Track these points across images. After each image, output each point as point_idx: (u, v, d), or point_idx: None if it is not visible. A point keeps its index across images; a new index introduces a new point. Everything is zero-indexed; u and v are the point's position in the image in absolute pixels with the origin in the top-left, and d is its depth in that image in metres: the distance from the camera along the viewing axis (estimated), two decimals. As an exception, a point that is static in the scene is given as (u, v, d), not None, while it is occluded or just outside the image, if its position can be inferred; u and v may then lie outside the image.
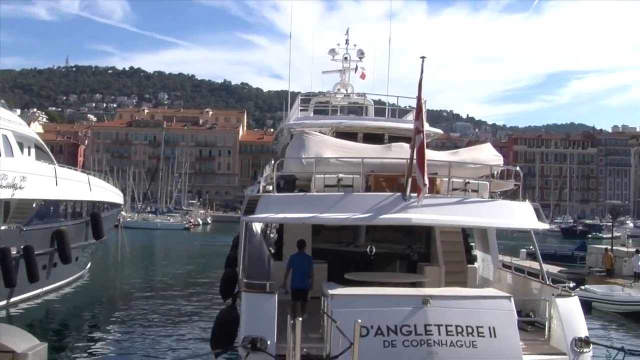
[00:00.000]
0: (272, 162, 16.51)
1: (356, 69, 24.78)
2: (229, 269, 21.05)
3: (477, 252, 20.67)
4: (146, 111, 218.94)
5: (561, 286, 15.05)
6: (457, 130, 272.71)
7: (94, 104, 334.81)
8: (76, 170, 42.81)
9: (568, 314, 13.68)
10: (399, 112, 22.94)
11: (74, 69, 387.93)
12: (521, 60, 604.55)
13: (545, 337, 14.08)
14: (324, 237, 18.41)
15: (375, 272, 17.27)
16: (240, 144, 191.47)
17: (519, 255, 47.24)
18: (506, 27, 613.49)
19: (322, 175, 14.86)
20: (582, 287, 36.83)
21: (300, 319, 10.00)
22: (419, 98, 13.63)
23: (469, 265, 19.49)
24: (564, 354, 13.12)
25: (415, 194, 13.42)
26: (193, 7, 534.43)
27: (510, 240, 53.91)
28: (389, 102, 24.15)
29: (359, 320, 9.83)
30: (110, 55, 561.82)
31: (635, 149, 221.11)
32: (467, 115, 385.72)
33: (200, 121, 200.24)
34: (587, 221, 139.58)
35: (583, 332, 13.46)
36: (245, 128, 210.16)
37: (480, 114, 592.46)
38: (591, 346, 13.36)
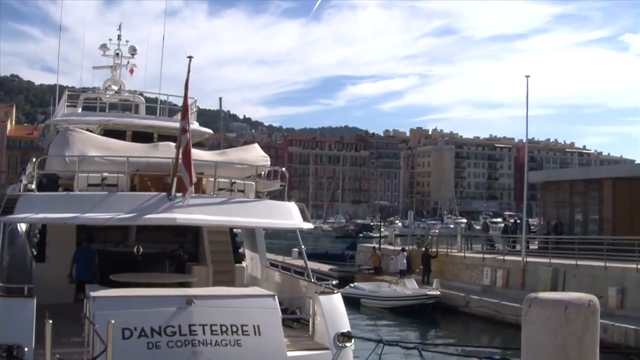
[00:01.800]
0: (34, 159, 15.72)
1: (127, 65, 24.27)
2: None
3: (245, 251, 20.85)
4: None
5: (324, 284, 15.40)
6: (234, 130, 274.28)
7: None
8: None
9: (331, 310, 13.99)
10: (174, 111, 22.70)
11: None
12: (299, 63, 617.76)
13: (310, 333, 14.33)
14: (92, 237, 17.88)
15: (143, 272, 16.96)
16: (8, 139, 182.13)
17: (291, 254, 48.45)
18: (285, 31, 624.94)
19: (86, 174, 14.40)
20: (352, 285, 38.32)
21: (51, 321, 9.55)
22: (185, 97, 13.54)
23: (237, 265, 19.63)
24: (327, 348, 13.40)
25: (181, 194, 13.34)
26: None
27: (284, 239, 54.81)
28: (161, 101, 23.87)
29: (113, 321, 9.56)
30: None
31: (404, 153, 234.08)
32: (244, 116, 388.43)
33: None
34: (359, 221, 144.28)
35: (345, 327, 13.80)
36: (13, 122, 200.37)
37: (256, 115, 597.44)
38: (352, 340, 13.75)
